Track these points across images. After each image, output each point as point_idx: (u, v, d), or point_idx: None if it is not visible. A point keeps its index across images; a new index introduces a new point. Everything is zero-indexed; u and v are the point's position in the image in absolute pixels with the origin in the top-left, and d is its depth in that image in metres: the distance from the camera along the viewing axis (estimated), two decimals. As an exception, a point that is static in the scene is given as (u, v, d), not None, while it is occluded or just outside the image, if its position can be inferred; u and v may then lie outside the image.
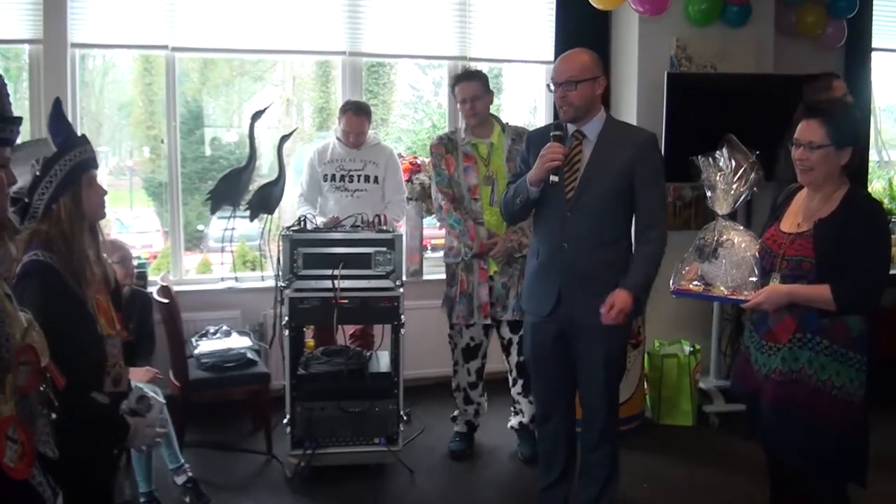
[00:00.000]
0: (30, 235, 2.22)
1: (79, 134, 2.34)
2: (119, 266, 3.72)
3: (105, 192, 2.41)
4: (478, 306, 4.26)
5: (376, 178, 4.73)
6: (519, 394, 4.40)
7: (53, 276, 2.20)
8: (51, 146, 2.25)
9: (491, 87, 4.27)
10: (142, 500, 3.65)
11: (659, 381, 4.90)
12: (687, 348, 4.98)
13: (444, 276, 4.48)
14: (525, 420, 4.40)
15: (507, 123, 4.32)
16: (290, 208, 4.99)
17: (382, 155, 4.78)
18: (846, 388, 2.59)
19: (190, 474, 3.85)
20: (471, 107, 4.18)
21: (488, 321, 4.29)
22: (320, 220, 4.42)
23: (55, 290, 2.19)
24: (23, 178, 2.13)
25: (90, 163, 2.33)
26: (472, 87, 4.17)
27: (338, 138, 4.74)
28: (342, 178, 4.69)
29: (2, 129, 1.69)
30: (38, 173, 2.19)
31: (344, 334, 4.76)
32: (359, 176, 4.71)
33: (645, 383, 4.91)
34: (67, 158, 2.24)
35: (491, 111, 4.33)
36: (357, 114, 4.62)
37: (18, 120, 1.76)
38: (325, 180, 4.71)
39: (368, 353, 4.33)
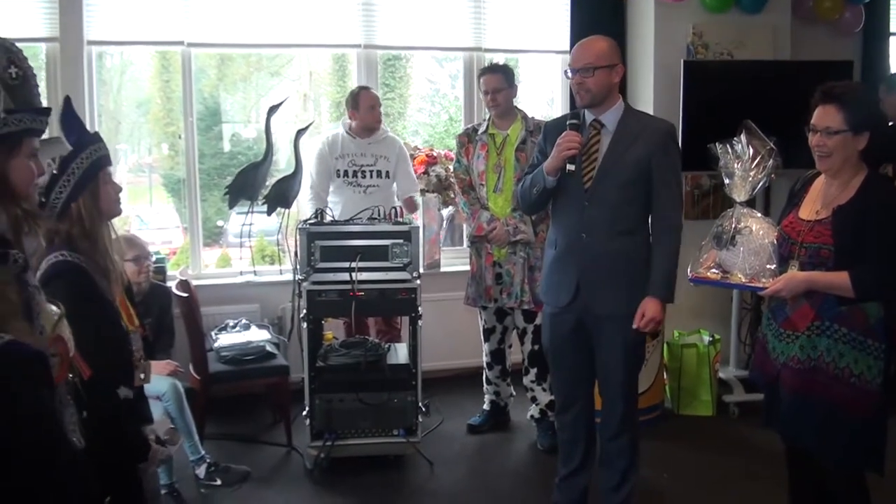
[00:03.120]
0: (49, 235, 2.24)
1: (92, 131, 2.36)
2: (133, 263, 3.77)
3: (120, 189, 2.43)
4: (483, 289, 4.40)
5: (388, 172, 4.83)
6: (532, 382, 4.44)
7: (82, 275, 2.22)
8: (65, 145, 2.27)
9: (515, 82, 4.42)
10: (163, 491, 3.69)
11: (678, 371, 4.88)
12: (706, 338, 4.96)
13: (461, 268, 4.59)
14: (542, 407, 4.42)
15: (532, 117, 4.41)
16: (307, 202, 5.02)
17: (392, 149, 4.87)
18: (864, 376, 2.56)
19: (209, 461, 3.90)
20: (492, 98, 4.32)
21: (492, 304, 4.42)
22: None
23: (84, 290, 2.21)
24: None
25: (105, 160, 2.34)
26: (494, 79, 4.31)
27: (347, 132, 4.80)
28: (354, 173, 4.78)
29: (32, 119, 1.71)
30: (55, 172, 2.20)
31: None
32: (371, 171, 4.79)
33: (664, 373, 4.89)
34: (84, 156, 2.24)
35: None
36: (369, 89, 4.78)
37: (47, 111, 1.79)
38: (338, 176, 4.78)
39: (387, 345, 4.35)
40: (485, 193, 4.39)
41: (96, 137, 2.32)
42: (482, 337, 4.60)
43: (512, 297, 4.31)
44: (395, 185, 4.89)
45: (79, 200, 2.24)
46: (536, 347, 4.33)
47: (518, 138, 4.30)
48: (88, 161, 2.25)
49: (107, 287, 2.28)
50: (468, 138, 4.49)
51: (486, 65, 4.55)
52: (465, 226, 4.65)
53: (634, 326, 3.10)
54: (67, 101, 2.33)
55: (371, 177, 4.79)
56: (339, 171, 4.78)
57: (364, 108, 4.73)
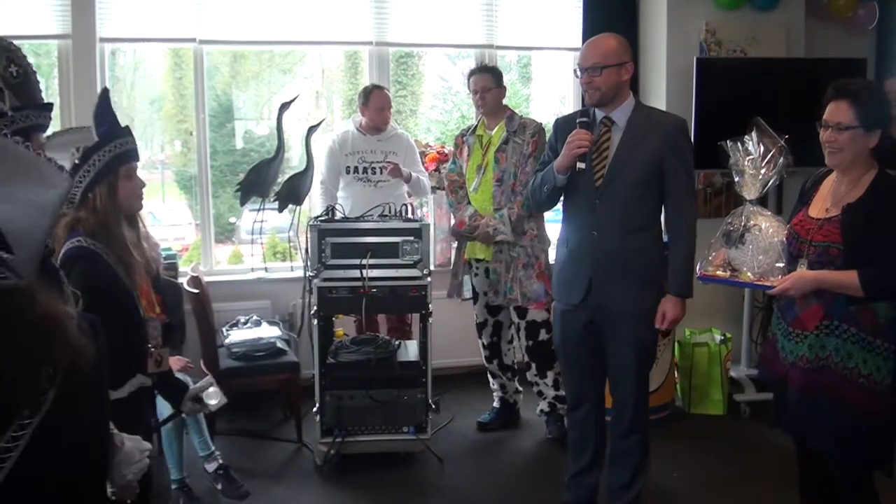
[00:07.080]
0: (72, 222, 2.28)
1: (122, 126, 2.39)
2: None
3: (143, 185, 2.46)
4: (456, 285, 4.57)
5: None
6: (535, 376, 4.44)
7: (97, 260, 2.26)
8: (92, 135, 2.30)
9: (504, 83, 4.44)
10: (173, 486, 3.70)
11: (689, 369, 4.87)
12: (718, 337, 4.94)
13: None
14: (550, 400, 4.43)
15: (520, 117, 4.41)
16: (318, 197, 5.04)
17: (401, 144, 4.92)
18: (873, 377, 2.54)
19: (221, 461, 3.90)
20: (480, 97, 4.36)
21: (460, 299, 4.57)
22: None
23: (98, 275, 2.25)
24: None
25: (130, 154, 2.37)
26: (482, 79, 4.35)
27: (357, 129, 4.84)
28: (364, 170, 4.82)
29: (37, 115, 1.75)
30: (76, 161, 2.23)
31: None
32: (381, 168, 4.82)
33: (675, 372, 4.88)
34: (107, 149, 2.28)
35: (521, 101, 4.43)
36: (382, 89, 4.79)
37: (50, 106, 1.82)
38: (348, 172, 4.83)
39: (397, 342, 4.36)
40: (465, 193, 4.47)
41: (125, 132, 2.35)
42: (476, 332, 4.61)
43: (500, 295, 4.33)
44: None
45: (95, 191, 2.27)
46: (531, 343, 4.36)
47: (500, 139, 4.32)
48: (111, 154, 2.29)
49: (124, 275, 2.31)
50: (463, 139, 4.54)
51: (477, 65, 4.57)
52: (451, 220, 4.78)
53: (658, 327, 3.14)
54: (105, 92, 2.36)
55: (381, 173, 4.82)
56: (348, 167, 4.83)
57: (373, 108, 4.77)
